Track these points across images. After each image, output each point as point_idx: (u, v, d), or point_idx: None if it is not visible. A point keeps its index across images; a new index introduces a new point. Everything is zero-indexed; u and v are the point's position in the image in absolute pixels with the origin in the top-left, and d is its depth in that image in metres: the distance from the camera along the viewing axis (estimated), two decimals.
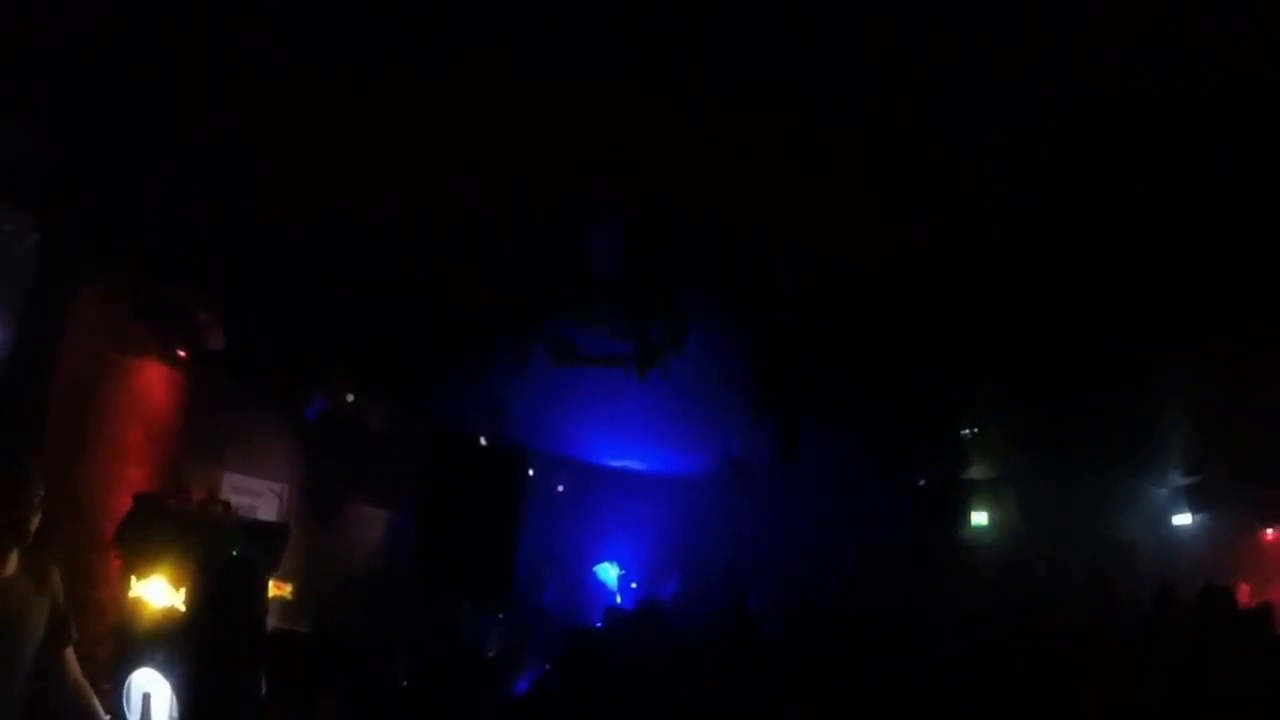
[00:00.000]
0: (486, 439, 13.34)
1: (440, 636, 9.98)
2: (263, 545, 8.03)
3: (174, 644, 7.26)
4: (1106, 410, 11.25)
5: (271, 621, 8.07)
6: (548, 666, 8.29)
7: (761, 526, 15.99)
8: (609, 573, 17.94)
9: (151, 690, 7.34)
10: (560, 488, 16.90)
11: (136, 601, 7.60)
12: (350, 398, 11.12)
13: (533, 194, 6.98)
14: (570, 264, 8.05)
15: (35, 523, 4.99)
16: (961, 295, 8.49)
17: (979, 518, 15.15)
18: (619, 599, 17.06)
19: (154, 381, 8.88)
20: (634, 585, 17.67)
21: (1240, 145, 5.98)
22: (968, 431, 12.98)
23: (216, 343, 8.71)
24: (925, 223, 7.23)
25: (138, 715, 7.34)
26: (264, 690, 6.78)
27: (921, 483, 15.34)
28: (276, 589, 8.81)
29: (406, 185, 7.01)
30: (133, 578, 7.64)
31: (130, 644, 7.47)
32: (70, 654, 5.48)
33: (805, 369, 10.15)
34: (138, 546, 7.63)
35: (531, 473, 14.24)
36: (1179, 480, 14.22)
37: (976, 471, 14.78)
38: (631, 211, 7.24)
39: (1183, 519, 14.39)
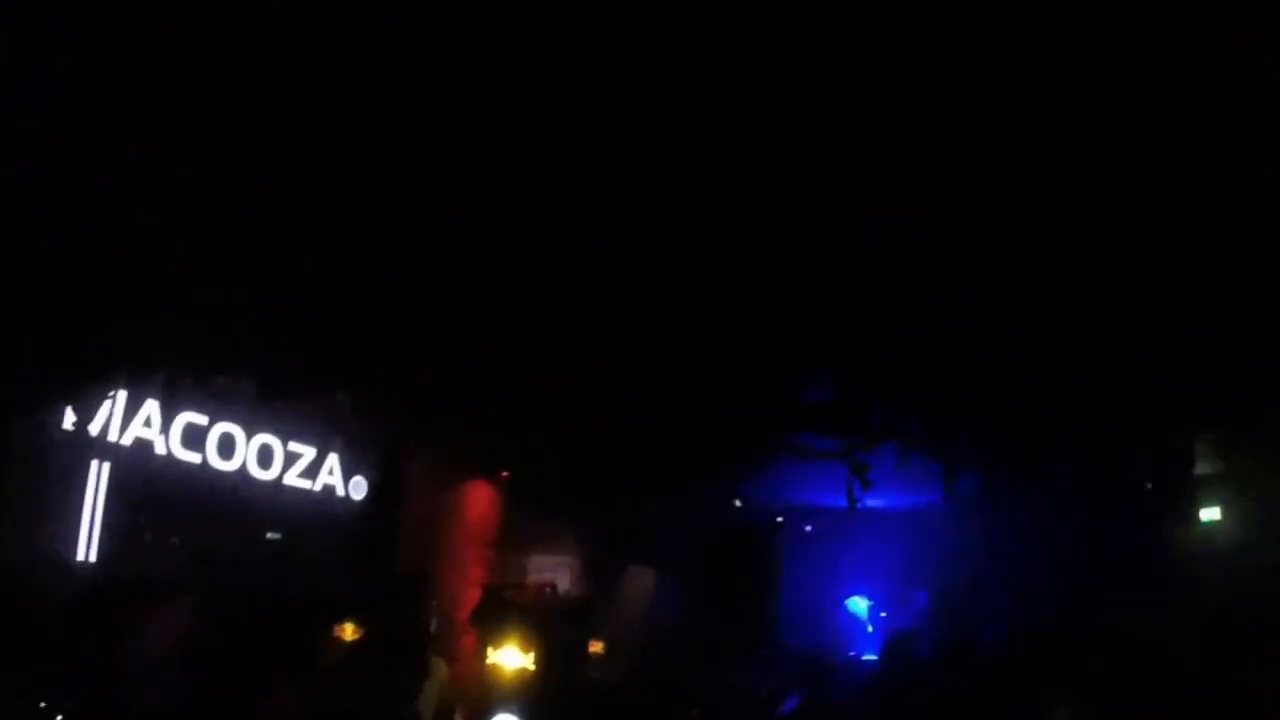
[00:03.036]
0: (740, 501, 15.39)
1: (716, 680, 12.09)
2: (582, 616, 10.51)
3: (526, 694, 9.69)
4: None
5: (593, 674, 10.56)
6: (800, 693, 10.33)
7: (988, 554, 16.62)
8: (859, 605, 19.18)
9: None
10: (808, 528, 18.34)
11: (494, 666, 10.09)
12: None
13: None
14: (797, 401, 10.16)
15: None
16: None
17: (1210, 514, 14.30)
18: (870, 629, 18.21)
19: (478, 498, 11.64)
20: (883, 615, 18.27)
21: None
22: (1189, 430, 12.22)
23: (526, 464, 11.41)
24: None
25: None
26: None
27: (1148, 485, 14.82)
28: (593, 647, 11.24)
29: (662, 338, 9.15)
30: (489, 649, 10.15)
31: (493, 696, 9.87)
32: None
33: (1002, 421, 11.10)
34: (490, 626, 10.13)
35: (781, 519, 16.13)
36: None
37: (1204, 466, 13.51)
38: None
39: None
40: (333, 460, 11.12)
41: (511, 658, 9.98)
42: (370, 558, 10.69)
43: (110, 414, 9.03)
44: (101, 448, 8.99)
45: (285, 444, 10.66)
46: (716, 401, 10.08)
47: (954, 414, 10.27)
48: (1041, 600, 14.10)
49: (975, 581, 15.79)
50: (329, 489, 11.10)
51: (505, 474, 11.81)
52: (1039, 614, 13.12)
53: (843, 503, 16.60)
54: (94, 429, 8.90)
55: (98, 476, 8.90)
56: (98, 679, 6.98)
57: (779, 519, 16.06)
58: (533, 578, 12.50)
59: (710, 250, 7.34)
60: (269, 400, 10.19)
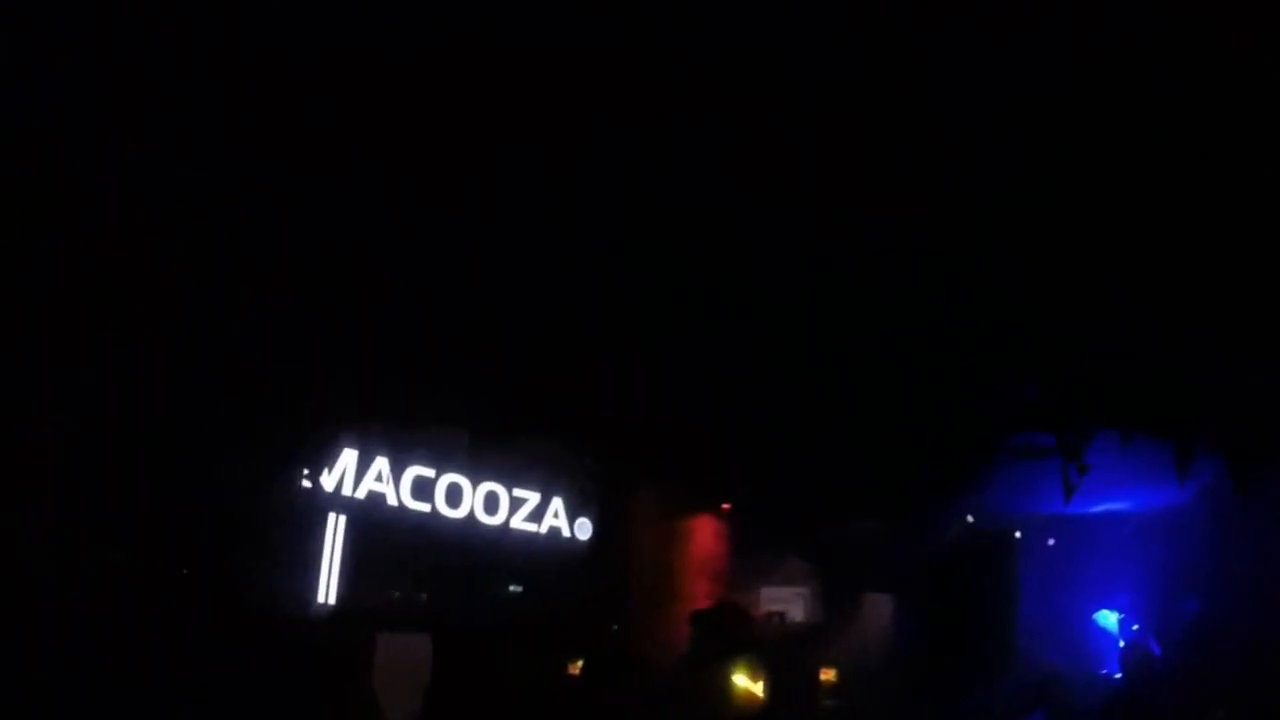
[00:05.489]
0: (972, 516, 15.08)
1: (957, 705, 11.89)
2: (812, 645, 10.54)
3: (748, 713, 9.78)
4: None
5: (826, 701, 10.57)
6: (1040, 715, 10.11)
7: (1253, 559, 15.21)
8: (1109, 619, 18.39)
9: None
10: (1051, 541, 17.71)
11: (724, 695, 10.20)
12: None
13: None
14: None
15: None
16: None
17: None
18: (1121, 644, 17.67)
19: (704, 532, 11.85)
20: (1135, 628, 17.99)
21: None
22: None
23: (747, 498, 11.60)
24: None
25: None
26: None
27: None
28: (825, 675, 11.26)
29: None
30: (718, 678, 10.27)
31: None
32: None
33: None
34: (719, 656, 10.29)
35: (1019, 535, 15.69)
36: None
37: None
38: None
39: None
40: (557, 503, 11.52)
41: (742, 683, 10.10)
42: (598, 596, 10.93)
43: (344, 471, 9.60)
44: (338, 502, 9.58)
45: (510, 490, 11.10)
46: (931, 412, 10.04)
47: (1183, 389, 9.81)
48: None
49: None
50: (555, 531, 11.48)
51: (726, 506, 11.95)
52: None
53: (1080, 510, 16.07)
54: (329, 485, 9.46)
55: (335, 528, 9.45)
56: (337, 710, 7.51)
57: (1016, 533, 15.55)
58: (764, 609, 12.61)
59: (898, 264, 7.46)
60: (490, 449, 10.68)
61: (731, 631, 10.56)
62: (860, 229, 7.07)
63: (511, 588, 11.10)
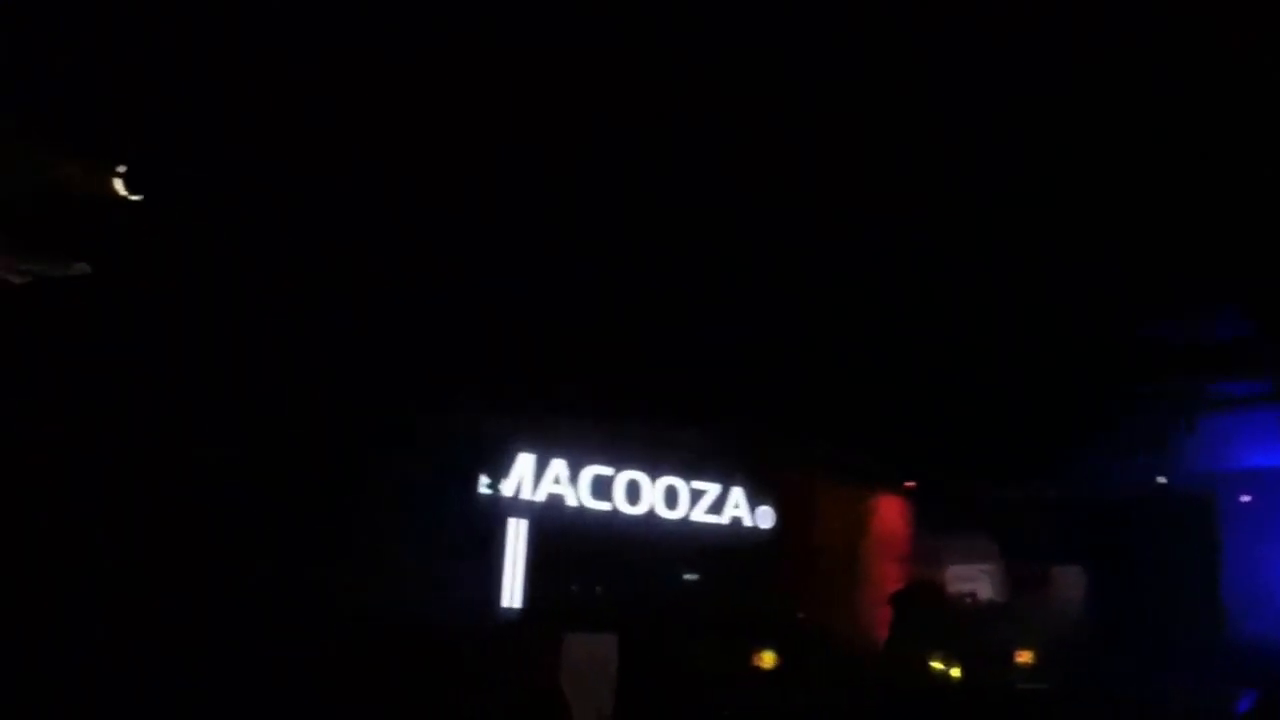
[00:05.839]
0: (1164, 476, 14.50)
1: (1158, 682, 11.42)
2: (1005, 625, 10.28)
3: (947, 700, 9.57)
4: None
5: (1021, 684, 10.28)
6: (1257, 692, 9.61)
7: None
8: None
9: None
10: (1246, 498, 16.93)
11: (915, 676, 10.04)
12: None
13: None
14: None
15: None
16: None
17: None
18: None
19: (889, 512, 11.69)
20: None
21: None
22: None
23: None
24: None
25: None
26: None
27: None
28: (1020, 656, 10.94)
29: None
30: (912, 660, 10.08)
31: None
32: None
33: None
34: (912, 637, 10.10)
35: (1216, 492, 15.06)
36: None
37: None
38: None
39: None
40: (737, 494, 11.45)
41: (939, 669, 9.90)
42: (783, 584, 10.87)
43: (522, 476, 9.70)
44: (518, 506, 9.70)
45: (689, 483, 11.07)
46: (1117, 365, 9.71)
47: None
48: None
49: None
50: (736, 521, 11.42)
51: (910, 484, 11.79)
52: None
53: (1272, 460, 15.29)
54: (509, 490, 9.56)
55: (516, 532, 9.54)
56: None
57: (1214, 491, 14.88)
58: (952, 589, 12.34)
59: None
60: (668, 443, 10.67)
61: (932, 609, 10.40)
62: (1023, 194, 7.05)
63: (695, 580, 11.08)
